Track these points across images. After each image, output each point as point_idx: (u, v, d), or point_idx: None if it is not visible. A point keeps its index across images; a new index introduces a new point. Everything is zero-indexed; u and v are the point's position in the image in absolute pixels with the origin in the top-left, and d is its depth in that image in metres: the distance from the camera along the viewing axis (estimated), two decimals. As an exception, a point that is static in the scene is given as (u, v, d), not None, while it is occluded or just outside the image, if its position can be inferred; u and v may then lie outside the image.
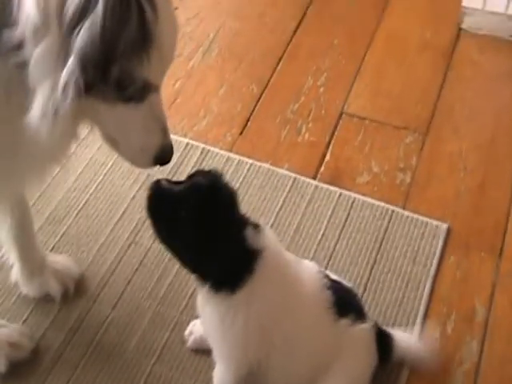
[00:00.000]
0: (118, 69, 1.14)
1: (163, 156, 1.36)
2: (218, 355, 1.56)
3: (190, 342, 1.73)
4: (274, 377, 1.55)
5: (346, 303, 1.57)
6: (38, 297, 1.82)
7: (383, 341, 1.62)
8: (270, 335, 1.48)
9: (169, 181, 1.44)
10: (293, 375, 1.56)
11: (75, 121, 1.26)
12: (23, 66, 1.14)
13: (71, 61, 1.11)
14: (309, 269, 1.59)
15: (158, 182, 1.43)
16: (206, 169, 1.46)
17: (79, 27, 1.09)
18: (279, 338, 1.49)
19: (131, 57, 1.14)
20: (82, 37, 1.09)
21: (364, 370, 1.60)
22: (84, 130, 1.36)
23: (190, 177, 1.44)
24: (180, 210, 1.38)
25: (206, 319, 1.53)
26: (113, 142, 1.34)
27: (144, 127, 1.30)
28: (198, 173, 1.45)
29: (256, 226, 1.45)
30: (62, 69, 1.12)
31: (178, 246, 1.43)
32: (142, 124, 1.29)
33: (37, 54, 1.12)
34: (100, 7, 1.08)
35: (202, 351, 1.72)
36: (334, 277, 1.63)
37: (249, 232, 1.42)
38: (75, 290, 1.83)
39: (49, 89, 1.14)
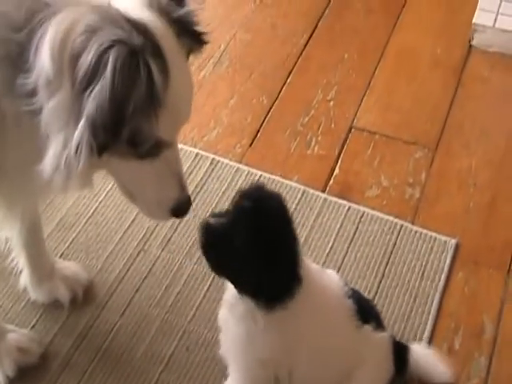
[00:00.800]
0: (128, 130, 1.15)
1: (180, 209, 1.36)
2: (234, 369, 1.56)
3: None
4: None
5: (366, 311, 1.58)
6: (46, 302, 1.82)
7: (400, 352, 1.63)
8: (297, 352, 1.49)
9: (215, 215, 1.43)
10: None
11: (90, 172, 1.26)
12: (35, 113, 1.15)
13: (82, 123, 1.12)
14: (332, 278, 1.59)
15: (206, 222, 1.41)
16: (248, 187, 1.44)
17: (90, 89, 1.10)
18: (306, 352, 1.49)
19: (141, 117, 1.15)
20: (92, 101, 1.10)
21: (383, 376, 1.61)
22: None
23: (235, 200, 1.41)
24: (232, 241, 1.37)
25: (229, 333, 1.53)
26: (130, 194, 1.35)
27: (159, 182, 1.30)
28: (242, 195, 1.41)
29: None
30: (75, 125, 1.13)
31: (236, 274, 1.42)
32: (158, 179, 1.29)
33: (50, 107, 1.14)
34: (109, 69, 1.09)
35: (210, 360, 1.72)
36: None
37: (299, 254, 1.42)
38: (84, 297, 1.83)
39: (61, 144, 1.15)
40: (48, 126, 1.16)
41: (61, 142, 1.15)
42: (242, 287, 1.43)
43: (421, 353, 1.68)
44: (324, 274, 1.58)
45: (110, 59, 1.09)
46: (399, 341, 1.68)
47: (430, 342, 1.77)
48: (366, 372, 1.57)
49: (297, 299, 1.42)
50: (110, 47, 1.10)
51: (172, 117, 1.21)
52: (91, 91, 1.10)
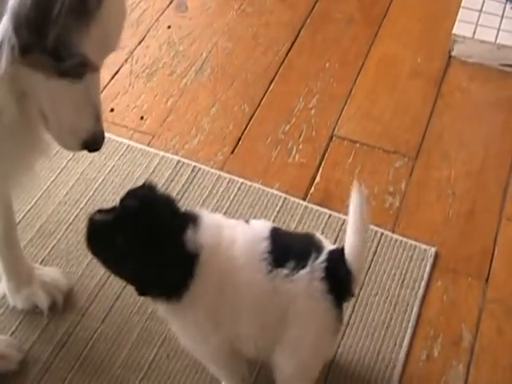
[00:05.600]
0: (55, 35, 1.12)
1: (92, 143, 1.34)
2: (205, 361, 1.62)
3: None
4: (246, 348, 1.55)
5: (286, 251, 1.48)
6: (25, 309, 1.81)
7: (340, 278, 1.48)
8: (223, 317, 1.48)
9: (101, 211, 1.45)
10: (247, 340, 1.53)
11: (13, 89, 1.22)
12: None
13: (4, 20, 1.10)
14: (246, 229, 1.53)
15: (90, 218, 1.44)
16: (139, 186, 1.48)
17: None
18: (229, 315, 1.48)
19: (68, 25, 1.13)
20: None
21: (314, 335, 1.52)
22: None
23: (122, 200, 1.44)
24: (115, 238, 1.39)
25: (174, 330, 1.57)
26: (45, 119, 1.32)
27: (76, 108, 1.28)
28: (129, 194, 1.45)
29: (195, 220, 1.45)
30: None
31: (125, 270, 1.45)
32: (75, 104, 1.27)
33: None
34: None
35: (191, 368, 1.72)
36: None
37: (188, 236, 1.42)
38: (64, 304, 1.82)
39: None
40: None
41: None
42: (139, 285, 1.45)
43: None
44: (234, 230, 1.51)
45: None
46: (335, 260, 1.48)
47: (409, 349, 1.78)
48: (290, 333, 1.49)
49: (204, 281, 1.43)
50: None
51: (101, 37, 1.19)
52: None
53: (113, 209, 1.44)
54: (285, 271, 1.45)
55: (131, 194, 1.45)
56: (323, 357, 1.61)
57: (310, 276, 1.46)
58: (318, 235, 1.55)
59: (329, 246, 1.52)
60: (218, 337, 1.50)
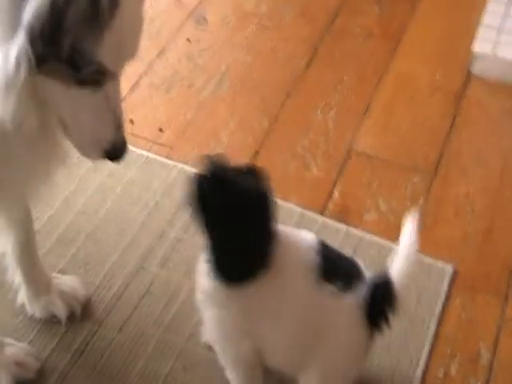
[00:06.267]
0: (70, 45, 1.13)
1: (114, 152, 1.34)
2: (222, 356, 1.59)
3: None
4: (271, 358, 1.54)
5: (336, 268, 1.48)
6: (43, 317, 1.81)
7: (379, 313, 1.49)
8: (260, 320, 1.48)
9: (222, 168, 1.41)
10: (278, 350, 1.53)
11: (33, 99, 1.22)
12: None
13: (20, 32, 1.10)
14: (301, 240, 1.52)
15: (212, 162, 1.40)
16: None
17: None
18: (268, 321, 1.48)
19: (83, 34, 1.13)
20: (30, 7, 1.09)
21: (345, 360, 1.53)
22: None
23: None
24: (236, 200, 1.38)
25: (209, 326, 1.56)
26: (66, 128, 1.32)
27: (97, 117, 1.28)
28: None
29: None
30: (14, 38, 1.11)
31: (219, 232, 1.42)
32: (95, 113, 1.27)
33: None
34: None
35: (207, 380, 1.72)
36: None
37: (273, 225, 1.42)
38: (82, 313, 1.83)
39: (1, 60, 1.13)
40: None
41: (0, 58, 1.13)
42: (217, 255, 1.43)
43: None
44: (294, 235, 1.53)
45: None
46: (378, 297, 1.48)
47: (427, 367, 1.78)
48: (322, 352, 1.49)
49: (270, 269, 1.43)
50: None
51: (117, 45, 1.19)
52: None
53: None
54: (333, 288, 1.45)
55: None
56: (348, 381, 1.59)
57: (354, 300, 1.45)
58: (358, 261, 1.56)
59: (368, 272, 1.52)
60: (250, 342, 1.49)
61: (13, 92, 1.15)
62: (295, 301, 1.46)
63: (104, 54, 1.18)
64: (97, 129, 1.30)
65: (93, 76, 1.21)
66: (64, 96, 1.25)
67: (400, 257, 1.50)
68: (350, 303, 1.46)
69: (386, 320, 1.48)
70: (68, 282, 1.85)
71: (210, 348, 1.67)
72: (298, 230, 1.57)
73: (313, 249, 1.47)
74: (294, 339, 1.50)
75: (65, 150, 1.43)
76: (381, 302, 1.47)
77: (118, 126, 1.32)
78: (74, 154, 1.42)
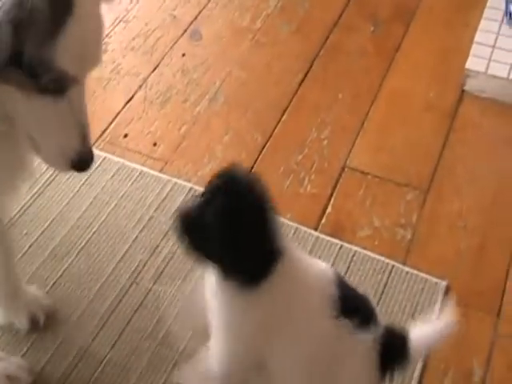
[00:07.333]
0: (28, 52, 1.12)
1: (80, 162, 1.31)
2: (215, 351, 1.51)
3: None
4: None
5: (353, 305, 1.44)
6: (1, 324, 1.80)
7: (392, 356, 1.46)
8: (270, 336, 1.43)
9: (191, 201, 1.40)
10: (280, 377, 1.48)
11: None
12: None
13: None
14: (320, 268, 1.48)
15: (181, 209, 1.39)
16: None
17: None
18: (278, 339, 1.42)
19: (39, 40, 1.13)
20: None
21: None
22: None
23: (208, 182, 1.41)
24: (204, 220, 1.34)
25: (215, 310, 1.48)
26: (33, 141, 1.30)
27: (61, 126, 1.26)
28: (216, 176, 1.42)
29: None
30: None
31: (213, 251, 1.38)
32: (59, 122, 1.25)
33: None
34: None
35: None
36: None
37: (276, 233, 1.38)
38: (75, 327, 1.82)
39: None
40: None
41: None
42: (220, 266, 1.39)
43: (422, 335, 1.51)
44: (312, 263, 1.48)
45: None
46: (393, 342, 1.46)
47: (420, 383, 1.78)
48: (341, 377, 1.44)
49: (274, 281, 1.36)
50: None
51: (75, 49, 1.18)
52: None
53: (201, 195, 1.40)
54: (350, 324, 1.40)
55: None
56: None
57: (370, 343, 1.42)
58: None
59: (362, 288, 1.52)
60: (251, 362, 1.46)
61: None
62: (311, 331, 1.41)
63: (63, 59, 1.17)
64: (61, 139, 1.28)
65: (53, 83, 1.20)
66: (26, 106, 1.23)
67: (428, 327, 1.51)
68: (367, 343, 1.42)
69: (392, 373, 1.46)
70: (31, 291, 1.84)
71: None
72: (314, 258, 1.54)
73: (330, 280, 1.44)
74: (306, 369, 1.45)
75: (31, 162, 1.41)
76: (394, 355, 1.45)
77: (84, 136, 1.29)
78: (49, 168, 1.40)
